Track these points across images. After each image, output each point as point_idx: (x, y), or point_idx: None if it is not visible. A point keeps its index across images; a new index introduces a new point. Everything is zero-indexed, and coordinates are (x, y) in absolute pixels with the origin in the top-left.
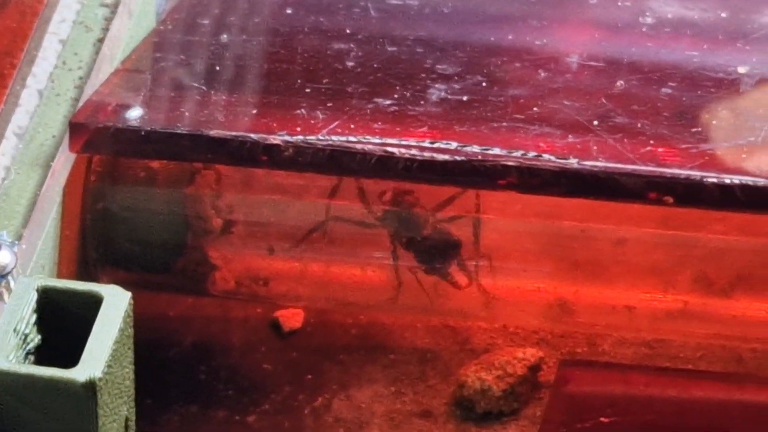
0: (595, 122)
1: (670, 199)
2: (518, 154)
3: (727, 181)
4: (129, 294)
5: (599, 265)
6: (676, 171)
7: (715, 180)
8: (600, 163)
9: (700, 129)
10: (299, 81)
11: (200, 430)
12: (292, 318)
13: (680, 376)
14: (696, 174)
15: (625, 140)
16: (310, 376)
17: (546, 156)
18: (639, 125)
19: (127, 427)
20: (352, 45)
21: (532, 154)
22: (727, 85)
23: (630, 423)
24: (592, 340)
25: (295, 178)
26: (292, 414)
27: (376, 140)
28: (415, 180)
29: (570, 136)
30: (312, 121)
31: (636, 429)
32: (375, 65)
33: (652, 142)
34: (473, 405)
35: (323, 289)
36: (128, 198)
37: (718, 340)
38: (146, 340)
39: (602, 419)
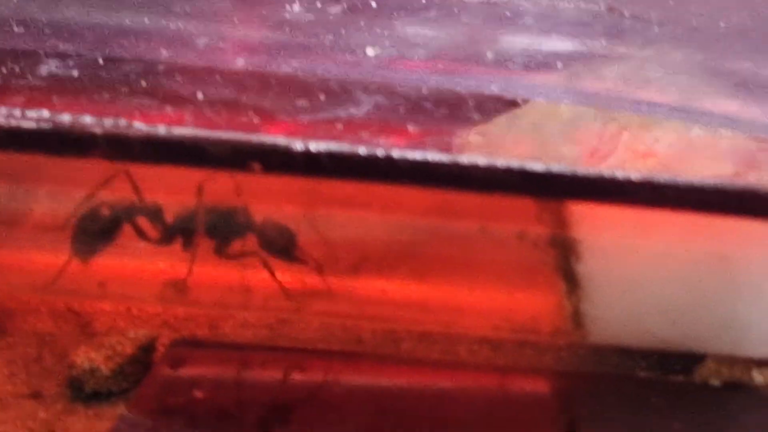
0: (200, 95)
1: (258, 166)
2: (109, 122)
3: (313, 148)
4: None
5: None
6: (264, 138)
7: (301, 147)
8: (188, 131)
9: (306, 101)
10: None
11: None
12: None
13: (293, 354)
14: (282, 141)
15: (223, 112)
16: None
17: (137, 124)
18: (244, 98)
19: None
20: None
21: (123, 122)
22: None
23: (224, 398)
24: (215, 323)
25: None
26: None
27: None
28: (6, 150)
29: (168, 107)
30: None
31: (231, 404)
32: None
33: (250, 113)
34: (82, 385)
35: None
36: None
37: (339, 320)
38: None
39: (196, 393)
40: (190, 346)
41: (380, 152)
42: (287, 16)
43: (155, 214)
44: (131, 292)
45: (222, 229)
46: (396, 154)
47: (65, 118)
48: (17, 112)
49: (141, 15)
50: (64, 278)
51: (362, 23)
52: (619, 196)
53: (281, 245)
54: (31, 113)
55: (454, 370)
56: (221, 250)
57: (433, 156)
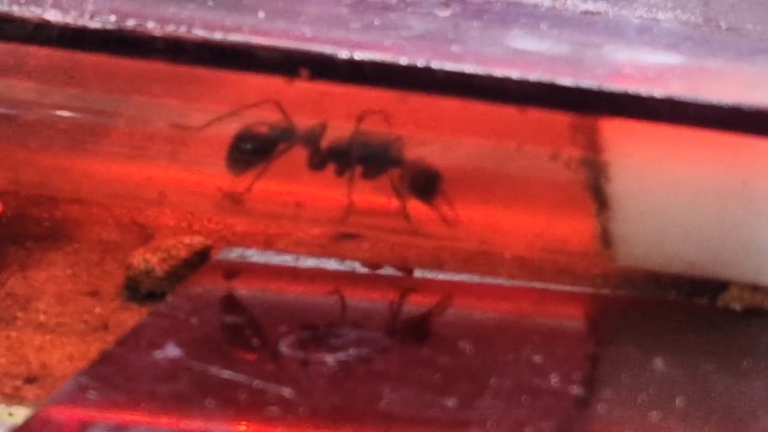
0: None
1: (305, 73)
2: (170, 27)
3: (357, 56)
4: None
5: None
6: (311, 46)
7: (346, 55)
8: (242, 37)
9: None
10: None
11: None
12: None
13: (340, 275)
14: (329, 49)
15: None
16: None
17: (195, 30)
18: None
19: None
20: None
21: (183, 28)
22: None
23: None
24: (270, 240)
25: None
26: None
27: None
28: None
29: (228, 20)
30: None
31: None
32: None
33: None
34: (138, 285)
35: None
36: None
37: (389, 241)
38: None
39: (237, 294)
40: (241, 255)
41: (420, 63)
42: None
43: (312, 139)
44: (190, 201)
45: (372, 160)
46: (435, 65)
47: (130, 22)
48: (87, 15)
49: None
50: (127, 186)
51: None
52: (643, 113)
53: (424, 187)
54: (99, 17)
55: (493, 290)
56: (367, 179)
57: (469, 68)
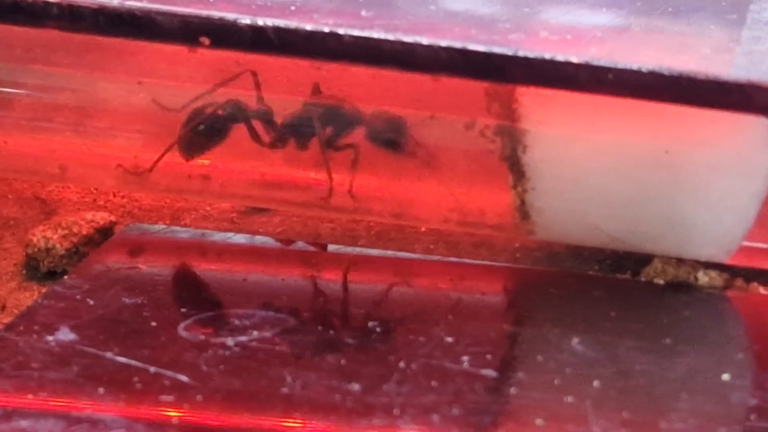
0: None
1: (206, 41)
2: None
3: (261, 22)
4: None
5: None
6: (212, 12)
7: (248, 21)
8: (140, 4)
9: None
10: None
11: None
12: None
13: (247, 250)
14: (230, 15)
15: None
16: None
17: None
18: None
19: None
20: None
21: None
22: None
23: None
24: (177, 215)
25: None
26: None
27: None
28: None
29: None
30: None
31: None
32: None
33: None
34: (38, 264)
35: None
36: None
37: (300, 214)
38: None
39: (137, 272)
40: (144, 231)
41: (326, 29)
42: None
43: (265, 116)
44: (91, 176)
45: (332, 125)
46: (341, 30)
47: None
48: None
49: None
50: (26, 159)
51: None
52: (559, 80)
53: (390, 136)
54: None
55: (408, 265)
56: (330, 145)
57: (378, 34)
